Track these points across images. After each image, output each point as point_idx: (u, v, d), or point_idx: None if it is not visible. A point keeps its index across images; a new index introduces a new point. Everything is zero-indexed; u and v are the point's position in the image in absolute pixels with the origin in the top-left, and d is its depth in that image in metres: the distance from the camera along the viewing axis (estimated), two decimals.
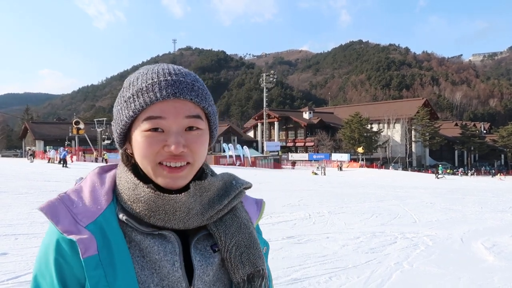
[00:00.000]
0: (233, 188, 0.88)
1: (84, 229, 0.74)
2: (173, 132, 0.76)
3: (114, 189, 0.83)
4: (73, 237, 0.73)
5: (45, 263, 0.76)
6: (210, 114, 0.83)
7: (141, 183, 0.79)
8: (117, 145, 0.87)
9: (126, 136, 0.83)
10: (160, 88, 0.76)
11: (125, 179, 0.81)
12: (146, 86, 0.77)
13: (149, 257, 0.76)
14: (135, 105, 0.77)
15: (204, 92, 0.81)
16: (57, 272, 0.74)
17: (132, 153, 0.82)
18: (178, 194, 0.78)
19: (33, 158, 36.56)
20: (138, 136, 0.78)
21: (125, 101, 0.79)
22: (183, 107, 0.77)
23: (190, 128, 0.78)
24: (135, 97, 0.78)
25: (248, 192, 0.93)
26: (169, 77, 0.78)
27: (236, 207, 0.88)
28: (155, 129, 0.77)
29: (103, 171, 0.87)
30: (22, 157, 54.71)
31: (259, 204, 0.99)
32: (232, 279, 0.82)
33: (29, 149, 41.05)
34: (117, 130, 0.82)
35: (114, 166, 0.89)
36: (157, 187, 0.80)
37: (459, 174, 54.36)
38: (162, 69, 0.81)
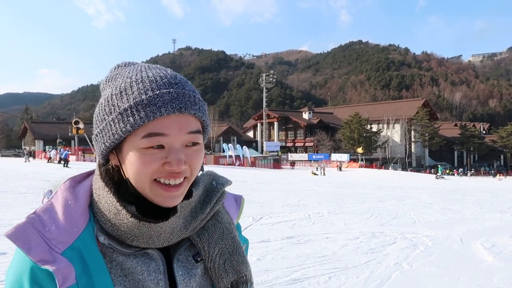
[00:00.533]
0: (214, 191, 0.84)
1: (60, 257, 0.67)
2: (174, 149, 0.70)
3: (90, 204, 0.75)
4: (49, 267, 0.65)
5: None
6: (207, 126, 0.77)
7: (123, 210, 0.72)
8: (99, 158, 0.77)
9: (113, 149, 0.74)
10: (164, 102, 0.69)
11: (105, 200, 0.73)
12: (147, 99, 0.69)
13: (132, 277, 0.72)
14: (134, 120, 0.68)
15: (203, 103, 0.76)
16: None
17: (118, 166, 0.75)
18: (165, 222, 0.73)
19: (30, 158, 35.63)
20: (134, 153, 0.70)
21: (120, 113, 0.70)
22: (186, 123, 0.71)
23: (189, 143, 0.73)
24: (133, 110, 0.69)
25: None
26: (171, 89, 0.70)
27: (217, 211, 0.85)
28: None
29: (75, 183, 0.77)
30: (23, 156, 54.66)
31: (238, 201, 0.95)
32: (216, 287, 0.81)
33: (24, 149, 40.10)
34: (106, 143, 0.72)
35: (87, 174, 0.81)
36: (140, 209, 0.74)
37: (455, 174, 54.21)
38: (160, 76, 0.72)
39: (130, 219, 0.71)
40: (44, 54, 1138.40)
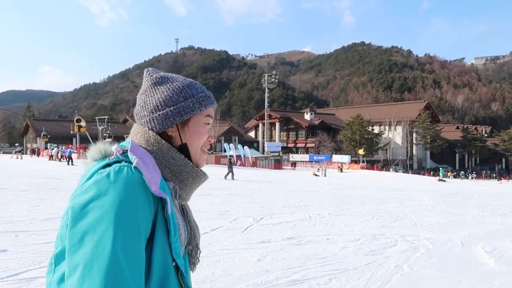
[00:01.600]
0: None
1: (160, 190, 0.91)
2: (211, 129, 1.15)
3: None
4: (164, 196, 0.90)
5: (130, 217, 0.83)
6: None
7: (190, 163, 1.06)
8: (159, 129, 1.05)
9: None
10: (213, 98, 1.15)
11: (172, 156, 1.03)
12: (208, 94, 1.12)
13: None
14: (206, 103, 1.09)
15: None
16: (142, 227, 0.85)
17: (172, 136, 1.06)
18: (206, 175, 1.13)
19: (21, 156, 34.24)
20: (200, 125, 1.09)
21: (197, 98, 1.08)
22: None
23: None
24: (204, 98, 1.10)
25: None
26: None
27: None
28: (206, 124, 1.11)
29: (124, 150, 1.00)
30: (25, 153, 54.69)
31: None
32: (191, 243, 1.11)
33: (17, 145, 38.84)
34: (185, 116, 1.05)
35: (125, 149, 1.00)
36: None
37: (451, 177, 53.30)
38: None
39: (195, 168, 1.07)
40: (46, 52, 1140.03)
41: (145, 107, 1.07)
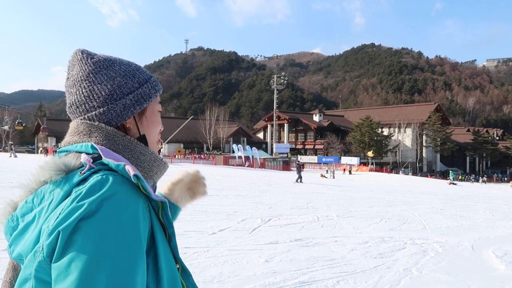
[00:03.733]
0: None
1: (158, 195, 0.88)
2: None
3: None
4: (163, 200, 0.81)
5: (135, 233, 0.73)
6: None
7: (159, 156, 0.95)
8: (118, 118, 0.90)
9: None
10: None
11: (141, 151, 0.91)
12: (155, 77, 0.99)
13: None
14: (158, 88, 0.98)
15: None
16: (143, 239, 0.75)
17: (130, 128, 0.93)
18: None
19: (15, 154, 32.21)
20: (156, 114, 0.98)
21: (151, 83, 0.96)
22: None
23: None
24: (156, 82, 0.98)
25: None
26: None
27: None
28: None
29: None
30: (36, 153, 55.37)
31: None
32: None
33: (11, 144, 37.03)
34: (144, 104, 0.93)
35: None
36: None
37: (452, 179, 51.83)
38: None
39: (162, 160, 0.96)
40: (58, 52, 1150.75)
41: (93, 96, 0.89)
